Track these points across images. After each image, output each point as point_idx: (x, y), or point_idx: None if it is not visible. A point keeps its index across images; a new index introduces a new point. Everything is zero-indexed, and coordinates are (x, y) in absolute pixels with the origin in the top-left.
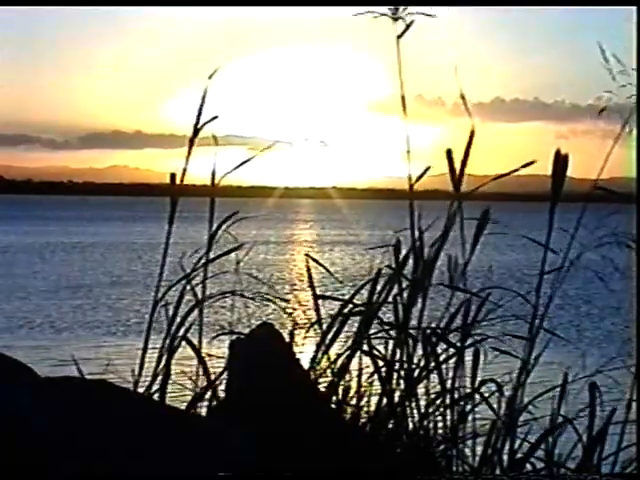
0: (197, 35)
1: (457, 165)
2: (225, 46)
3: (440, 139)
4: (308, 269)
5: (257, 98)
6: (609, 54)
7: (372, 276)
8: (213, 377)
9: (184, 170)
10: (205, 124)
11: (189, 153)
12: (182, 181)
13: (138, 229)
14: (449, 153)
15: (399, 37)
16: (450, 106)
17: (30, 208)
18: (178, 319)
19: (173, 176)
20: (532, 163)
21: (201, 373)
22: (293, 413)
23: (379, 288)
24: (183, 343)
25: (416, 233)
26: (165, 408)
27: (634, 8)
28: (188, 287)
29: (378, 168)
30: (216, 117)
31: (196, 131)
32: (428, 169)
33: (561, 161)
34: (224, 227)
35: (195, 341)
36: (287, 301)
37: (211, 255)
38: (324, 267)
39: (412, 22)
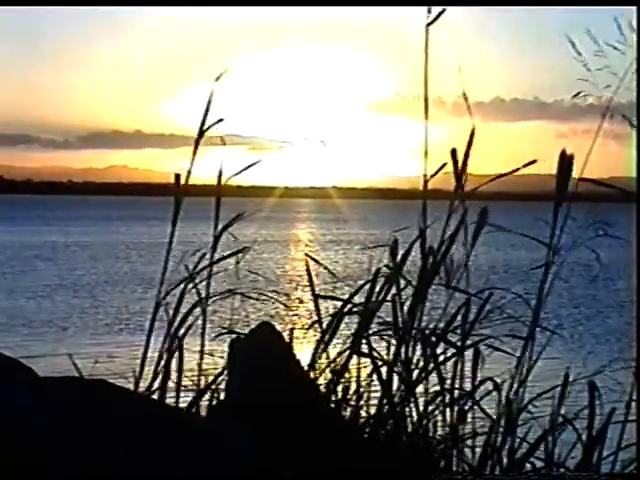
0: (197, 35)
1: (459, 165)
2: (225, 46)
3: (440, 139)
4: (308, 269)
5: (257, 98)
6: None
7: (371, 276)
8: (213, 377)
9: (189, 171)
10: (211, 126)
11: (194, 154)
12: (187, 182)
13: (140, 229)
14: (453, 152)
15: (429, 25)
16: (450, 106)
17: (30, 208)
18: (178, 319)
19: (178, 177)
20: (534, 162)
21: (201, 373)
22: (293, 413)
23: (378, 288)
24: (184, 343)
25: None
26: (165, 408)
27: (634, 8)
28: (190, 286)
29: (378, 168)
30: (222, 120)
31: (201, 133)
32: (444, 166)
33: (566, 161)
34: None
35: (197, 340)
36: (288, 296)
37: (216, 255)
38: (323, 265)
39: (444, 10)
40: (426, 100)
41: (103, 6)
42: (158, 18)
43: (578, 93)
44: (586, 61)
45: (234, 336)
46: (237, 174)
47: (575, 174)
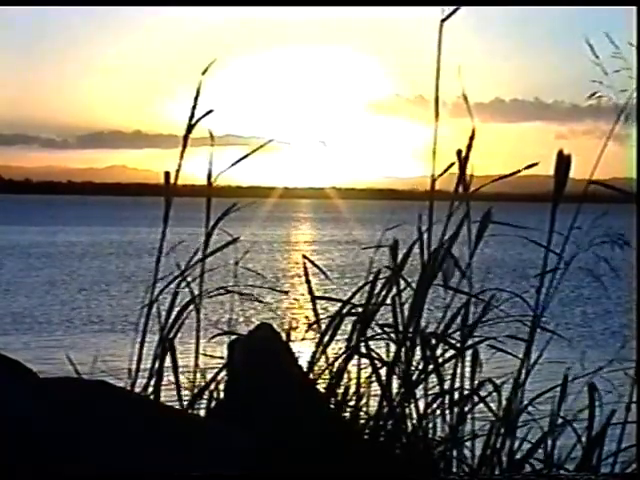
0: (197, 35)
1: (456, 165)
2: (225, 46)
3: (440, 139)
4: (305, 270)
5: (257, 98)
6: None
7: (371, 277)
8: (211, 377)
9: (178, 169)
10: (200, 119)
11: (183, 151)
12: (176, 180)
13: (139, 229)
14: (459, 154)
15: (443, 21)
16: (450, 106)
17: (29, 208)
18: (172, 319)
19: (167, 175)
20: (535, 165)
21: (198, 373)
22: (292, 414)
23: (378, 289)
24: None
25: (418, 233)
26: (165, 408)
27: (634, 8)
28: (183, 284)
29: (377, 168)
30: (211, 111)
31: (190, 127)
32: (452, 165)
33: (564, 161)
34: (220, 225)
35: (192, 341)
36: (286, 293)
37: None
38: (320, 268)
39: (457, 8)
40: (437, 100)
41: (103, 6)
42: (158, 18)
43: (594, 94)
44: (600, 62)
45: (232, 336)
46: (225, 171)
47: (583, 176)
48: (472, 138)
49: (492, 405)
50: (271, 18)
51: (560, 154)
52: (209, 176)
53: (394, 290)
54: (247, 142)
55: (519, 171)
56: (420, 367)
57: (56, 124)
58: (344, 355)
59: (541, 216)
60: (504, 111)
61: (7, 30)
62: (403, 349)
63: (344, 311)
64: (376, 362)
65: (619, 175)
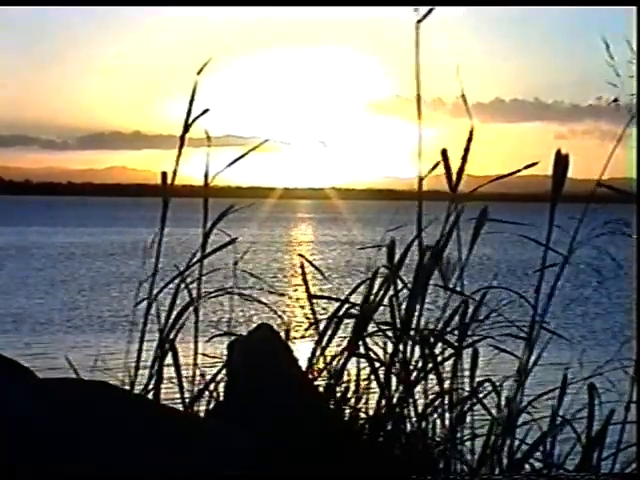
0: (197, 35)
1: (453, 165)
2: (225, 46)
3: (440, 140)
4: (302, 269)
5: (257, 98)
6: (614, 49)
7: (368, 276)
8: (210, 378)
9: (174, 169)
10: (196, 119)
11: (180, 151)
12: (173, 180)
13: (139, 229)
14: (444, 153)
15: (419, 22)
16: (450, 107)
17: (29, 209)
18: (171, 320)
19: (164, 175)
20: (534, 164)
21: (197, 374)
22: (292, 414)
23: (376, 288)
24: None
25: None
26: (165, 408)
27: (634, 8)
28: (182, 285)
29: (377, 169)
30: (207, 110)
31: (186, 127)
32: (437, 165)
33: (562, 161)
34: (220, 225)
35: (191, 341)
36: (283, 295)
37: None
38: (316, 267)
39: (432, 9)
40: (419, 99)
41: (103, 6)
42: (158, 18)
43: (616, 100)
44: (614, 63)
45: (231, 337)
46: (222, 171)
47: (583, 176)
48: (470, 140)
49: (492, 404)
50: (271, 18)
51: (558, 154)
52: (206, 177)
53: (391, 289)
54: (247, 142)
55: (516, 172)
56: (419, 366)
57: (56, 125)
58: (343, 354)
59: (540, 216)
60: (504, 111)
61: (7, 30)
62: (401, 346)
63: (342, 310)
64: (374, 362)
65: (617, 175)
